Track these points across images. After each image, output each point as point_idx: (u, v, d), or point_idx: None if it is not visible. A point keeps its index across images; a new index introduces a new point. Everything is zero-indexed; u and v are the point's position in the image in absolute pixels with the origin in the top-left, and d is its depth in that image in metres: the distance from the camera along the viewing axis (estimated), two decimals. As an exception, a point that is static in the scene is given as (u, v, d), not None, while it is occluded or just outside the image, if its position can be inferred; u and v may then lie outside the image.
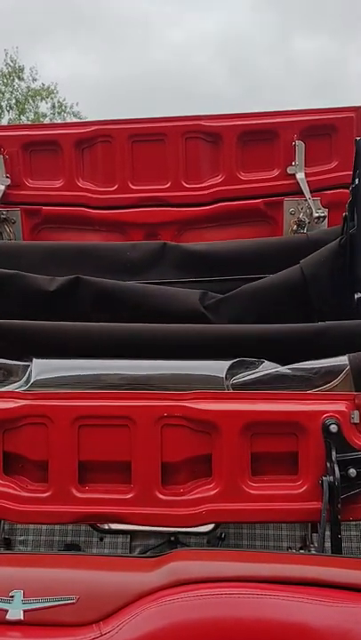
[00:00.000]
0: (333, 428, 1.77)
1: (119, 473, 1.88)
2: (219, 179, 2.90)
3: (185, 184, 2.94)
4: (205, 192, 2.92)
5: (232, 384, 2.03)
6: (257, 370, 2.05)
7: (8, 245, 2.92)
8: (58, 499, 1.86)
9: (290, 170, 2.79)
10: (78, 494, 1.87)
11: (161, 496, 1.84)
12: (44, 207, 3.04)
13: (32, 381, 2.06)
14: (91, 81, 36.38)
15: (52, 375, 2.11)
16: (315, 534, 2.56)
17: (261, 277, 2.46)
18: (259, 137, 2.86)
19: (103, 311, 2.39)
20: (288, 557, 1.74)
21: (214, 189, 2.91)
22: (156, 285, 2.52)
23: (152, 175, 2.95)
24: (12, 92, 29.99)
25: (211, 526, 2.53)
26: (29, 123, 30.33)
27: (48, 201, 3.04)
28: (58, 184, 3.04)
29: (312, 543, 2.57)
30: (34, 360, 2.11)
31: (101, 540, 2.79)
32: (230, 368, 2.03)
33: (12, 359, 2.18)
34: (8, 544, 2.64)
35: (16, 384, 2.09)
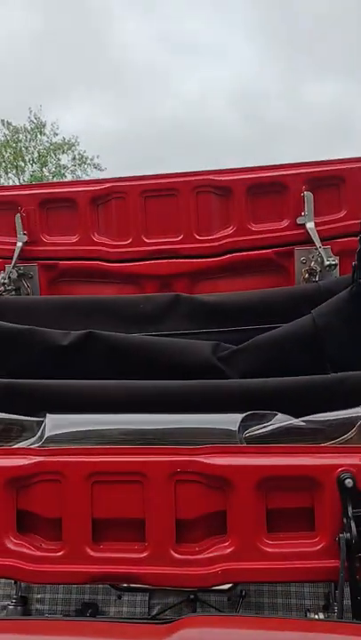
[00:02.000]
0: (349, 482, 1.73)
1: (134, 530, 1.85)
2: (230, 230, 2.96)
3: (197, 236, 2.99)
4: (217, 243, 2.97)
5: (245, 437, 2.01)
6: (270, 423, 2.03)
7: (24, 300, 2.98)
8: (72, 558, 1.84)
9: (299, 220, 2.83)
10: (92, 553, 1.85)
11: (176, 555, 1.81)
12: (60, 262, 3.12)
13: (45, 437, 2.07)
14: (109, 132, 37.67)
15: (66, 430, 2.12)
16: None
17: (274, 327, 2.47)
18: (268, 189, 2.92)
19: (116, 365, 2.41)
20: (303, 624, 1.68)
21: (225, 241, 2.96)
22: (169, 338, 2.54)
23: (165, 228, 3.02)
24: (35, 147, 31.24)
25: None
26: (51, 174, 31.31)
27: (64, 255, 3.12)
28: (74, 239, 3.13)
29: (335, 601, 2.48)
30: (47, 415, 2.13)
31: (119, 597, 2.74)
32: (243, 421, 2.02)
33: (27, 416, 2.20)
34: (25, 602, 2.61)
35: (30, 440, 2.10)
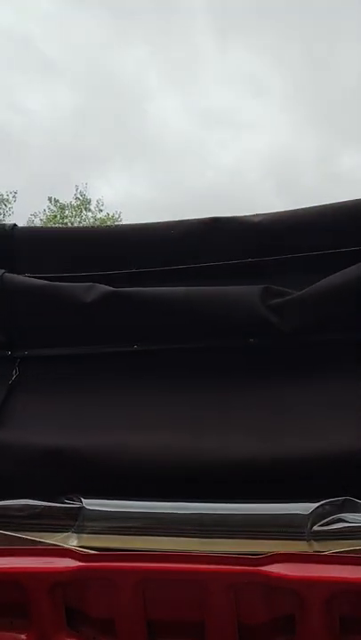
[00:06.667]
0: None
1: (193, 630, 1.66)
2: None
3: None
4: None
5: (313, 531, 1.77)
6: (342, 514, 1.78)
7: (44, 231, 2.69)
8: None
9: None
10: None
11: None
12: None
13: (86, 531, 1.81)
14: (148, 203, 39.01)
15: (106, 522, 1.84)
16: None
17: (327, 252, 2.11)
18: None
19: (146, 323, 2.14)
20: None
21: None
22: (205, 288, 2.17)
23: None
24: (79, 222, 32.58)
25: None
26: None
27: None
28: None
29: None
30: (84, 502, 1.86)
31: None
32: (313, 512, 1.77)
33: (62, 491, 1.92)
34: None
35: (66, 533, 1.81)
